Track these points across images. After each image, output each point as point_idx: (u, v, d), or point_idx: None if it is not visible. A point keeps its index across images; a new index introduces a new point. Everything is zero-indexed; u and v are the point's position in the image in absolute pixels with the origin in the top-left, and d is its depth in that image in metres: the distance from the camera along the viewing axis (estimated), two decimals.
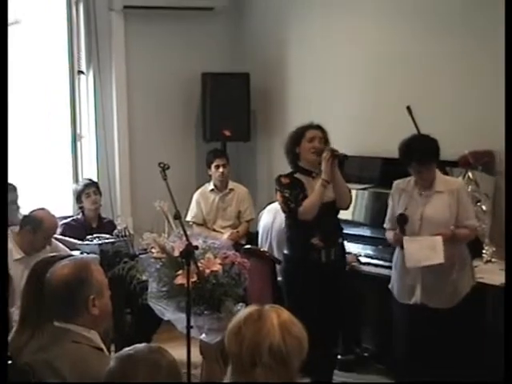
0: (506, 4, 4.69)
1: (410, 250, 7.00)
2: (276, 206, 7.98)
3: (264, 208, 8.85)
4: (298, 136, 7.43)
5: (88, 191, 9.31)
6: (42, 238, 7.68)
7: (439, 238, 6.91)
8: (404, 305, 7.33)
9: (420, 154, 7.10)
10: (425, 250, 6.97)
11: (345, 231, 8.21)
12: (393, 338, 7.54)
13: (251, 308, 3.80)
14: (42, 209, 7.92)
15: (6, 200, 4.18)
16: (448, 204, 7.13)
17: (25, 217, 7.89)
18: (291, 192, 7.31)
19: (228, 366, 3.77)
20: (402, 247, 7.09)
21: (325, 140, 7.38)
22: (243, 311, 3.83)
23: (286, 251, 7.63)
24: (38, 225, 7.70)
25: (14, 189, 8.76)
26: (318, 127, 7.44)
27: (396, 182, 7.36)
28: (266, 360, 3.58)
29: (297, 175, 7.42)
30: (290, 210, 7.33)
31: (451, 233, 7.00)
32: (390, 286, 7.43)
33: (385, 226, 7.45)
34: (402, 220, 7.03)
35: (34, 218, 7.77)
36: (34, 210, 7.93)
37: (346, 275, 7.72)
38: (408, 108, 7.52)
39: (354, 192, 8.17)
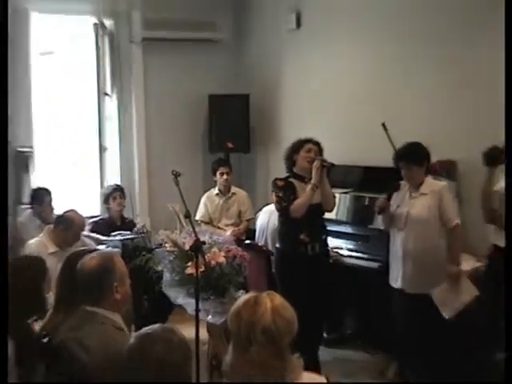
0: (505, 4, 4.52)
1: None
2: (271, 208, 8.02)
3: (261, 209, 8.88)
4: (297, 146, 7.48)
5: (115, 195, 9.36)
6: (73, 235, 7.69)
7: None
8: (393, 288, 7.43)
9: (399, 158, 7.23)
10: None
11: (330, 228, 8.23)
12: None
13: (250, 294, 3.83)
14: (73, 210, 7.93)
15: (7, 205, 4.14)
16: (428, 205, 7.15)
17: (58, 217, 7.90)
18: (284, 193, 7.34)
19: (229, 343, 3.81)
20: (379, 212, 7.38)
21: (319, 153, 7.42)
22: (243, 297, 3.87)
23: (277, 245, 7.67)
24: (70, 224, 7.72)
25: (49, 193, 8.81)
26: (316, 142, 7.49)
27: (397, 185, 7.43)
28: (259, 339, 3.61)
29: (291, 179, 7.45)
30: (282, 208, 7.37)
31: (457, 272, 7.09)
32: None
33: None
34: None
35: (66, 218, 7.78)
36: (66, 211, 7.93)
37: (329, 266, 7.73)
38: (383, 124, 7.51)
39: (337, 195, 8.21)
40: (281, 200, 7.36)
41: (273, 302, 3.73)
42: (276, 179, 7.52)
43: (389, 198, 7.29)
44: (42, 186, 9.17)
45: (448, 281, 7.06)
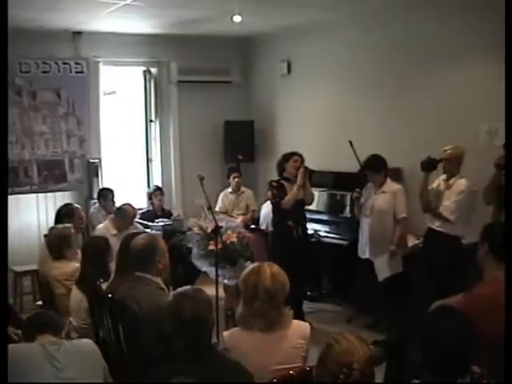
0: (505, 4, 4.48)
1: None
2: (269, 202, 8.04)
3: (263, 203, 8.88)
4: (287, 157, 7.52)
5: (156, 193, 9.38)
6: (127, 222, 7.73)
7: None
8: (361, 258, 7.52)
9: (365, 166, 7.36)
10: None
11: (312, 217, 8.29)
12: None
13: (254, 264, 3.88)
14: (127, 204, 7.97)
15: (6, 205, 4.16)
16: (387, 200, 7.32)
17: (117, 209, 7.94)
18: (277, 191, 7.39)
19: (240, 299, 3.85)
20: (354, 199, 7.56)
21: (302, 162, 7.45)
22: (249, 266, 3.92)
23: (270, 229, 7.78)
24: (125, 214, 7.75)
25: (112, 191, 8.85)
26: (300, 155, 7.52)
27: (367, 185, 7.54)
28: (262, 296, 3.66)
29: (282, 181, 7.47)
30: (276, 202, 7.43)
31: (394, 250, 7.26)
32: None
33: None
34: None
35: (122, 210, 7.82)
36: (122, 205, 7.98)
37: (308, 244, 7.79)
38: (350, 142, 7.46)
39: (317, 193, 8.23)
40: (275, 196, 7.41)
41: (271, 269, 3.79)
42: (271, 181, 7.58)
43: (360, 192, 7.46)
44: (106, 186, 9.21)
45: (387, 254, 7.16)
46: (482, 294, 4.18)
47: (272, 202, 7.57)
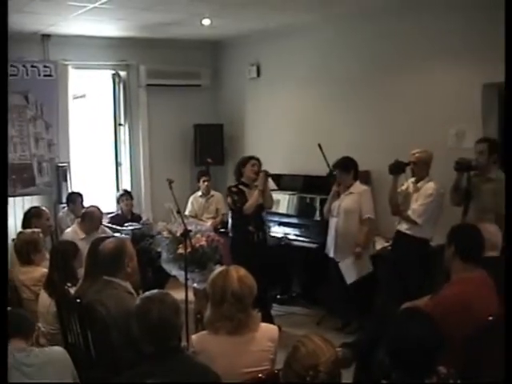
0: (505, 4, 4.47)
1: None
2: None
3: None
4: (244, 162, 7.51)
5: (125, 197, 9.33)
6: (95, 224, 7.66)
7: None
8: (331, 261, 7.54)
9: (336, 167, 7.41)
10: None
11: (282, 220, 8.34)
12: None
13: (221, 268, 3.89)
14: (93, 206, 7.92)
15: (6, 207, 4.15)
16: (354, 201, 7.34)
17: (83, 212, 7.87)
18: (237, 197, 7.38)
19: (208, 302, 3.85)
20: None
21: (260, 166, 7.46)
22: (217, 270, 3.93)
23: (231, 234, 7.67)
24: (91, 216, 7.70)
25: (80, 195, 8.79)
26: (257, 158, 7.52)
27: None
28: (230, 299, 3.66)
29: (240, 186, 7.45)
30: (236, 208, 7.38)
31: (359, 252, 7.24)
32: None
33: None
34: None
35: (88, 212, 7.75)
36: (88, 207, 7.94)
37: (267, 248, 7.71)
38: (319, 145, 7.49)
39: (287, 196, 8.25)
40: (235, 202, 7.38)
41: (238, 272, 3.81)
42: (230, 187, 7.55)
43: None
44: (75, 190, 9.16)
45: (353, 257, 7.20)
46: (448, 295, 4.23)
47: (232, 209, 7.53)
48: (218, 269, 3.96)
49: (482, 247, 4.41)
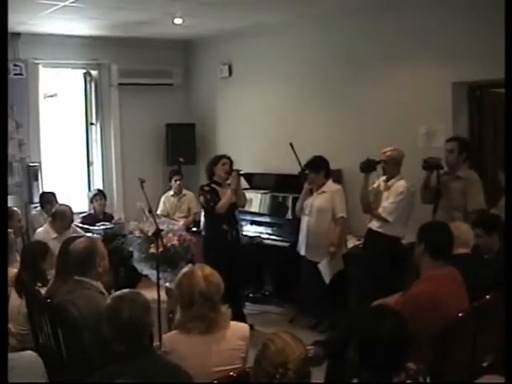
0: (505, 4, 4.49)
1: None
2: None
3: None
4: (216, 161, 7.50)
5: (97, 196, 9.27)
6: (66, 223, 7.62)
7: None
8: (300, 255, 7.57)
9: (307, 166, 7.42)
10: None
11: (254, 219, 8.34)
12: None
13: (185, 269, 3.89)
14: (63, 204, 7.89)
15: (7, 206, 4.13)
16: (326, 200, 7.35)
17: (54, 211, 7.81)
18: (210, 196, 7.37)
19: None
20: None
21: (231, 165, 7.46)
22: (181, 271, 3.92)
23: (204, 233, 7.66)
24: (62, 215, 7.65)
25: (53, 195, 8.75)
26: (228, 157, 7.51)
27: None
28: (199, 300, 3.66)
29: (212, 185, 7.44)
30: (209, 207, 7.37)
31: (334, 252, 7.25)
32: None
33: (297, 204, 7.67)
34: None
35: (58, 211, 7.70)
36: (58, 206, 7.89)
37: (241, 246, 7.74)
38: (290, 144, 7.52)
39: (259, 195, 8.26)
40: (208, 201, 7.37)
41: (203, 271, 3.81)
42: (203, 186, 7.54)
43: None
44: (47, 190, 9.11)
45: (328, 257, 7.21)
46: (418, 292, 4.26)
47: (205, 208, 7.52)
48: (182, 270, 3.94)
49: (452, 245, 4.45)
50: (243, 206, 7.78)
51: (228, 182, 7.42)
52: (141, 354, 3.28)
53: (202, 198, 7.48)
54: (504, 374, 3.02)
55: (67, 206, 7.84)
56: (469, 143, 6.98)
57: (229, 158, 7.51)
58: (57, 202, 8.63)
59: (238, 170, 7.39)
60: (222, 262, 7.11)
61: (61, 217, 7.63)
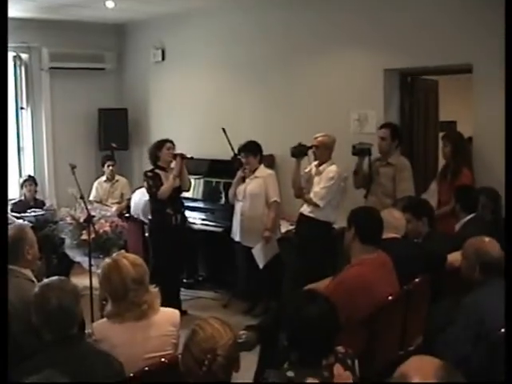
0: (505, 4, 4.49)
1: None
2: (142, 190, 7.90)
3: (135, 191, 8.76)
4: (159, 145, 7.41)
5: (27, 182, 9.09)
6: None
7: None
8: (237, 244, 7.56)
9: (241, 150, 7.44)
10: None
11: (188, 204, 8.27)
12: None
13: (107, 262, 3.83)
14: None
15: (6, 201, 4.06)
16: (259, 185, 7.36)
17: None
18: (153, 182, 7.31)
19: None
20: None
21: (174, 149, 7.42)
22: (103, 265, 3.85)
23: (150, 217, 7.61)
24: None
25: None
26: (171, 141, 7.44)
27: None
28: (132, 286, 3.64)
29: (156, 171, 7.39)
30: (152, 193, 7.33)
31: (268, 236, 7.26)
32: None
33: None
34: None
35: None
36: None
37: (186, 231, 7.75)
38: (223, 129, 7.52)
39: (192, 180, 8.19)
40: (151, 187, 7.33)
41: (128, 259, 3.78)
42: (146, 171, 7.45)
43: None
44: None
45: (262, 241, 7.24)
46: (347, 276, 4.33)
47: (148, 193, 7.46)
48: (105, 263, 3.85)
49: (381, 230, 4.52)
50: (188, 190, 7.74)
51: (172, 166, 7.38)
52: (70, 343, 3.26)
53: (145, 184, 7.44)
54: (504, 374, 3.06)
55: None
56: (400, 130, 7.08)
57: (171, 142, 7.45)
58: None
59: (181, 154, 7.35)
60: (166, 246, 7.20)
61: None
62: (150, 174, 7.38)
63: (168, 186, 7.27)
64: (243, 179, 7.50)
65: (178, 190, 7.45)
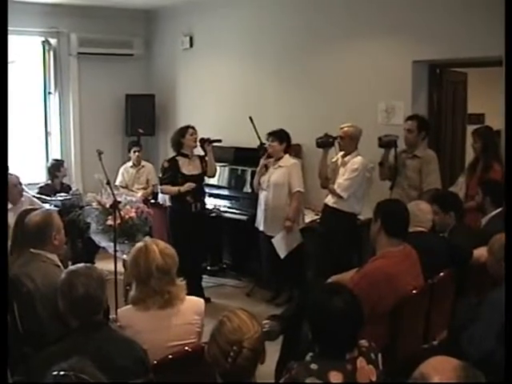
0: (506, 4, 4.46)
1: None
2: None
3: None
4: (183, 132, 7.43)
5: (56, 167, 9.10)
6: (16, 191, 7.37)
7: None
8: (262, 233, 7.52)
9: (269, 135, 7.38)
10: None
11: (213, 192, 8.34)
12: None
13: (139, 245, 3.85)
14: (9, 174, 7.72)
15: (6, 205, 4.09)
16: (283, 174, 7.30)
17: None
18: (164, 174, 7.42)
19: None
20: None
21: (197, 135, 7.43)
22: (134, 247, 3.88)
23: (169, 204, 7.68)
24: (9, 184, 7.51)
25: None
26: (193, 127, 7.44)
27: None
28: (155, 274, 3.65)
29: (177, 158, 7.41)
30: (161, 184, 7.59)
31: (289, 226, 7.21)
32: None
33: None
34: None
35: None
36: None
37: (206, 219, 7.77)
38: (250, 118, 7.52)
39: (219, 168, 8.20)
40: (161, 180, 7.55)
41: (158, 246, 3.80)
42: (164, 161, 7.59)
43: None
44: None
45: (283, 231, 7.22)
46: (372, 269, 4.31)
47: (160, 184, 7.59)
48: (136, 246, 3.89)
49: (407, 223, 4.50)
50: (213, 176, 7.80)
51: (195, 152, 7.43)
52: (95, 329, 3.28)
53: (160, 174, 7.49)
54: (504, 374, 3.03)
55: (12, 174, 7.68)
56: (427, 122, 7.01)
57: (193, 128, 7.46)
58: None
59: (208, 139, 7.40)
60: (186, 234, 7.21)
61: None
62: (166, 164, 7.45)
63: (174, 190, 7.35)
64: (266, 168, 7.49)
65: (198, 178, 7.48)
